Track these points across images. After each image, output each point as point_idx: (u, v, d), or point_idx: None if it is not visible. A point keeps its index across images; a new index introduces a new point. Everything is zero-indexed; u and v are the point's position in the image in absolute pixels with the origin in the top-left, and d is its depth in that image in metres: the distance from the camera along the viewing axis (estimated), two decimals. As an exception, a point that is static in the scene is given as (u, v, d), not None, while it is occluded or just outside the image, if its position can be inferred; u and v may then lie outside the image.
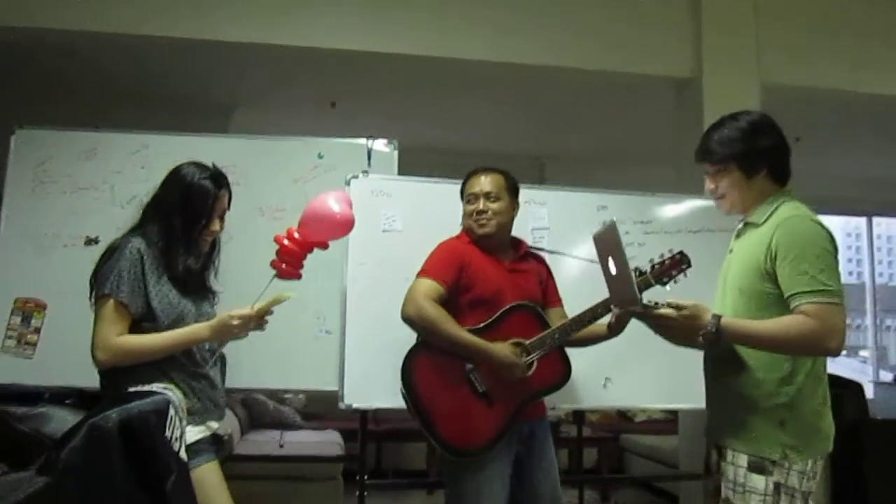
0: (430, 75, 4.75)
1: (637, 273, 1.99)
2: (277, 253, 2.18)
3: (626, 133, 5.97)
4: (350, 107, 5.48)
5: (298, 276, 2.20)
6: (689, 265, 2.19)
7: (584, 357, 2.58)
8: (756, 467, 1.86)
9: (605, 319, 2.31)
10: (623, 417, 6.46)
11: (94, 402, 1.98)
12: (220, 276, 2.28)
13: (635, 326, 2.19)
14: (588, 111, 5.65)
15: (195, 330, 2.04)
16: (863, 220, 7.91)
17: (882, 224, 8.22)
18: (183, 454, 1.78)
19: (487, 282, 2.44)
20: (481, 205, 2.50)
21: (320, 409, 5.98)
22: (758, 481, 1.85)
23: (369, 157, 3.38)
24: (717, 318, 1.84)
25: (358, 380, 3.08)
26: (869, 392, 6.04)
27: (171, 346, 2.00)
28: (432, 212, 3.24)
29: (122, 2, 3.76)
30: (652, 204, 3.52)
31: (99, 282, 2.02)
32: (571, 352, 2.50)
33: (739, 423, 1.92)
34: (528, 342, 2.36)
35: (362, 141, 3.41)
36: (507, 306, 2.41)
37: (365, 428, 3.46)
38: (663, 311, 1.88)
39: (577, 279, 2.94)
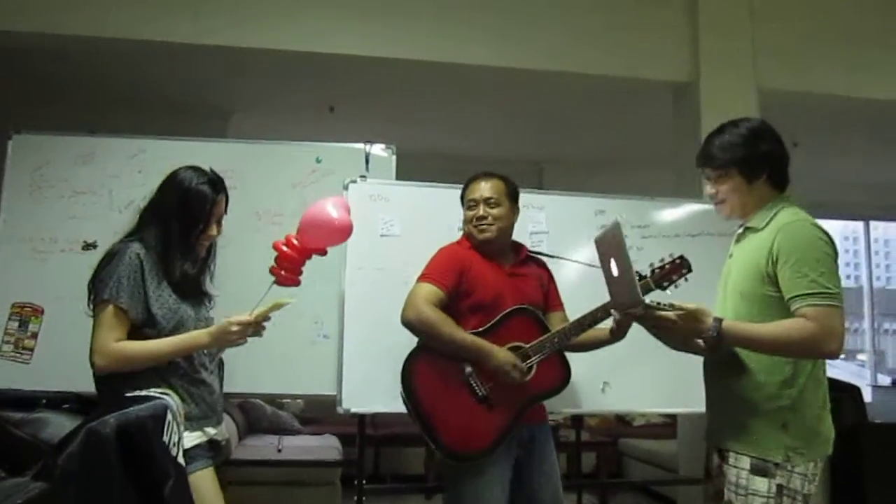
0: (429, 80, 4.76)
1: (637, 277, 1.99)
2: (276, 259, 2.17)
3: (623, 137, 5.98)
4: (348, 111, 5.49)
5: (297, 283, 2.20)
6: (690, 269, 2.19)
7: (583, 361, 2.58)
8: (759, 470, 1.86)
9: (607, 324, 2.30)
10: (622, 422, 6.46)
11: (91, 407, 1.97)
12: (217, 281, 2.27)
13: (634, 330, 2.19)
14: (586, 116, 5.66)
15: (194, 336, 2.03)
16: (860, 225, 7.92)
17: (879, 228, 8.23)
18: (181, 459, 1.78)
19: (487, 287, 2.45)
20: (481, 210, 2.51)
21: (318, 413, 5.97)
22: (760, 484, 1.85)
23: (367, 162, 3.38)
24: (719, 321, 1.85)
25: (356, 384, 3.08)
26: (867, 396, 6.04)
27: (170, 353, 2.00)
28: (430, 216, 3.25)
29: (119, 7, 3.76)
30: (650, 208, 3.53)
31: (98, 287, 2.01)
32: (570, 356, 2.50)
33: (742, 425, 1.92)
34: (527, 346, 2.36)
35: (360, 146, 3.41)
36: (507, 310, 2.42)
37: (363, 432, 3.45)
38: (665, 313, 1.88)
39: (577, 283, 2.94)
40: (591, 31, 4.23)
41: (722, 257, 2.19)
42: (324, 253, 2.24)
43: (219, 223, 2.17)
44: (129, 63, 4.63)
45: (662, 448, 5.46)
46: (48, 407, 2.18)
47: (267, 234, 3.16)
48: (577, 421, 4.38)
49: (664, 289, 2.21)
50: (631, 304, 1.95)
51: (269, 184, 3.33)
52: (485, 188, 2.54)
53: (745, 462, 1.89)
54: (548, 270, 2.67)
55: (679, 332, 1.90)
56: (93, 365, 1.97)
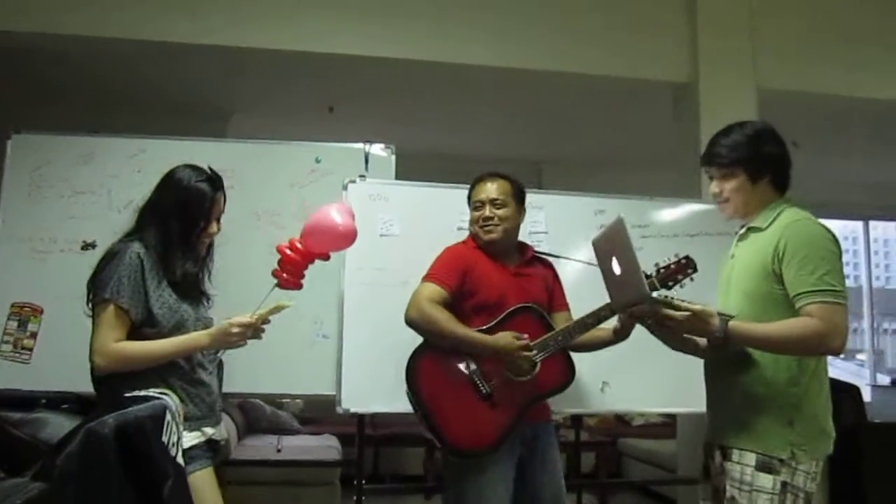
0: (428, 80, 4.75)
1: (645, 280, 1.98)
2: (279, 262, 2.18)
3: (623, 138, 5.97)
4: (348, 111, 5.49)
5: (299, 287, 2.20)
6: (695, 269, 2.20)
7: (582, 361, 2.58)
8: (764, 466, 1.87)
9: (610, 324, 2.31)
10: (621, 421, 6.46)
11: (90, 407, 1.97)
12: (216, 281, 2.27)
13: (634, 330, 2.19)
14: (585, 116, 5.65)
15: (194, 338, 2.03)
16: (859, 224, 7.93)
17: (879, 228, 8.23)
18: (180, 459, 1.78)
19: (491, 287, 2.47)
20: (487, 211, 2.53)
21: (318, 413, 5.97)
22: (765, 480, 1.86)
23: (367, 162, 3.38)
24: (725, 322, 1.85)
25: (355, 384, 3.08)
26: (866, 395, 6.04)
27: (169, 354, 1.99)
28: (430, 216, 3.25)
29: (119, 7, 3.76)
30: (649, 208, 3.53)
31: (98, 287, 2.01)
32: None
33: (747, 421, 1.93)
34: (532, 344, 2.37)
35: (360, 145, 3.41)
36: (512, 308, 2.43)
37: (362, 432, 3.45)
38: (672, 312, 1.88)
39: (581, 283, 2.93)
40: (591, 32, 4.22)
41: (721, 257, 2.19)
42: (327, 258, 2.24)
43: (218, 220, 2.17)
44: (128, 63, 4.63)
45: (662, 448, 5.46)
46: (47, 407, 2.18)
47: (266, 234, 3.18)
48: (576, 420, 4.38)
49: (669, 288, 2.22)
50: (637, 299, 1.93)
51: (269, 184, 3.33)
52: (491, 189, 2.55)
53: (751, 458, 1.89)
54: (553, 270, 2.68)
55: (685, 330, 1.91)
56: (92, 364, 1.97)
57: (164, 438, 1.71)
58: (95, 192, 3.24)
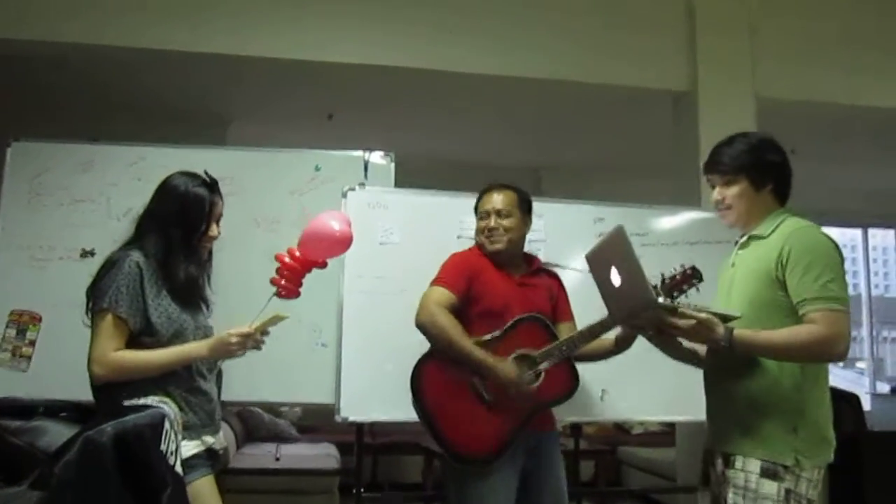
0: (427, 88, 4.76)
1: (651, 286, 1.97)
2: (277, 271, 2.18)
3: (622, 145, 5.98)
4: (347, 119, 5.49)
5: (297, 295, 2.20)
6: (701, 279, 2.20)
7: (582, 369, 2.57)
8: (769, 473, 1.86)
9: (612, 333, 2.32)
10: (620, 430, 6.44)
11: (89, 415, 1.96)
12: (215, 288, 2.27)
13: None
14: (585, 123, 5.66)
15: (193, 348, 2.03)
16: (858, 232, 7.93)
17: (878, 236, 8.24)
18: (178, 468, 1.77)
19: (496, 294, 2.48)
20: (493, 222, 2.55)
21: (316, 421, 5.95)
22: (770, 487, 1.85)
23: (366, 170, 3.38)
24: (730, 330, 1.85)
25: (354, 392, 3.07)
26: (866, 404, 6.04)
27: (167, 364, 1.99)
28: (429, 224, 3.25)
29: (118, 15, 3.76)
30: (649, 216, 3.53)
31: (97, 295, 2.00)
32: (571, 364, 2.50)
33: (751, 428, 1.92)
34: (536, 353, 2.39)
35: (359, 153, 3.41)
36: (517, 317, 2.45)
37: (361, 441, 3.44)
38: (675, 320, 1.87)
39: (582, 292, 2.93)
40: (591, 40, 4.24)
41: (720, 265, 2.19)
42: (324, 265, 2.24)
43: (218, 223, 2.17)
44: (128, 71, 4.63)
45: (661, 456, 5.44)
46: (46, 415, 2.17)
47: (266, 241, 3.17)
48: (575, 429, 4.37)
49: (674, 298, 2.22)
50: (643, 306, 1.91)
51: (268, 191, 3.33)
52: (497, 200, 2.58)
53: (755, 465, 1.89)
54: (559, 281, 2.69)
55: (689, 339, 1.91)
56: (91, 373, 1.96)
57: (163, 447, 1.70)
58: (95, 199, 3.24)
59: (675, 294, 2.20)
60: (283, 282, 2.17)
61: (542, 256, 2.91)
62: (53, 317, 3.08)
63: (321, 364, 3.14)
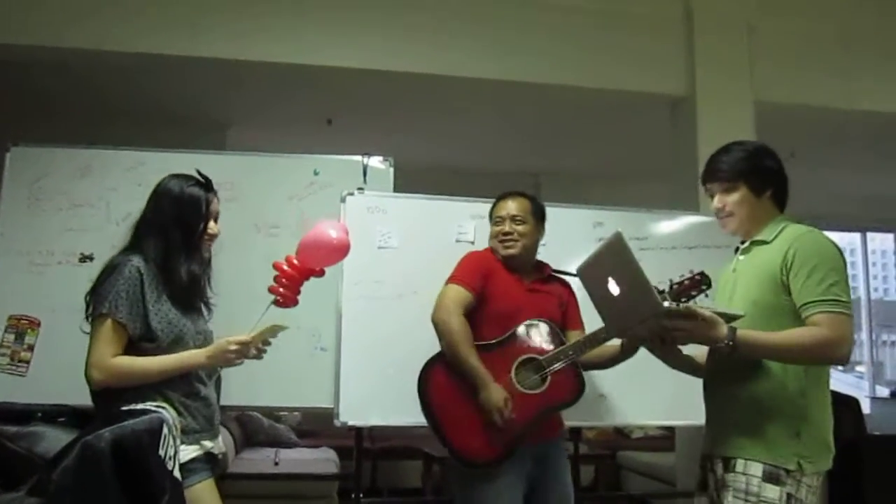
0: (426, 93, 4.77)
1: (656, 292, 1.95)
2: (276, 279, 2.18)
3: (621, 150, 5.99)
4: (346, 124, 5.50)
5: (295, 303, 2.20)
6: (710, 286, 2.19)
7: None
8: (771, 477, 1.85)
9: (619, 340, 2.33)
10: (620, 434, 6.43)
11: (87, 420, 1.96)
12: (215, 291, 2.27)
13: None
14: (583, 128, 5.67)
15: (192, 356, 2.02)
16: (857, 236, 7.94)
17: (877, 239, 8.24)
18: (177, 473, 1.77)
19: (507, 297, 2.52)
20: (507, 227, 2.59)
21: (315, 426, 5.94)
22: (772, 492, 1.84)
23: (365, 174, 3.38)
24: (733, 330, 1.84)
25: (353, 397, 3.07)
26: (865, 407, 6.03)
27: (166, 371, 1.99)
28: (428, 229, 3.26)
29: (117, 20, 3.77)
30: (648, 220, 3.53)
31: (97, 300, 2.00)
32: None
33: (754, 431, 1.91)
34: (542, 358, 2.41)
35: (358, 158, 3.41)
36: (525, 322, 2.48)
37: (360, 445, 3.44)
38: (680, 322, 1.84)
39: (583, 296, 2.93)
40: (589, 45, 4.25)
41: (719, 270, 2.19)
42: (322, 274, 2.24)
43: (216, 220, 2.17)
44: (127, 76, 4.64)
45: (661, 461, 5.44)
46: (44, 420, 2.17)
47: (265, 246, 3.18)
48: (575, 433, 4.37)
49: (679, 304, 2.21)
50: (651, 313, 1.85)
51: (267, 196, 3.33)
52: (512, 206, 2.62)
53: (757, 469, 1.87)
54: (569, 289, 2.70)
55: (692, 339, 1.89)
56: (89, 378, 1.96)
57: (161, 452, 1.70)
58: (94, 204, 3.24)
59: (682, 300, 2.19)
60: (280, 290, 2.16)
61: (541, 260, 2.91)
62: (52, 322, 3.07)
63: (320, 368, 3.14)
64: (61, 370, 2.63)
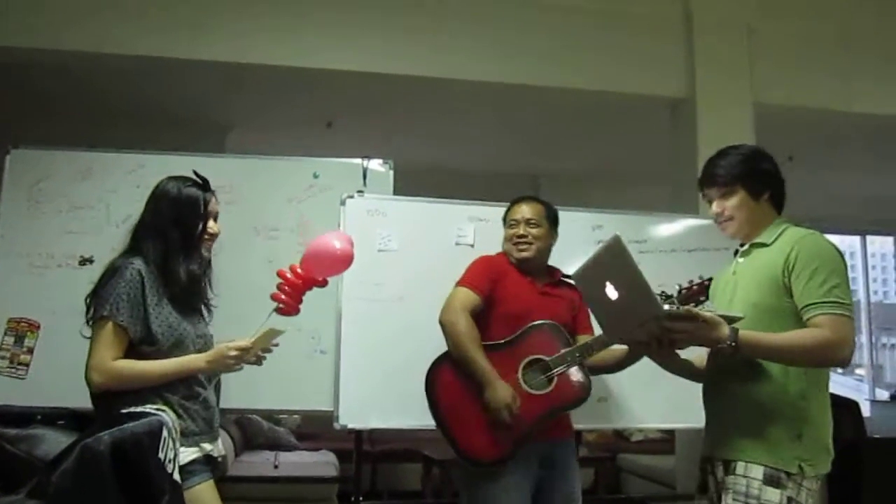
0: (426, 95, 4.78)
1: (664, 297, 1.94)
2: (279, 287, 2.18)
3: (621, 152, 5.99)
4: (346, 127, 5.50)
5: (297, 311, 2.20)
6: None
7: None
8: (772, 480, 1.85)
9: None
10: (620, 437, 6.43)
11: (86, 423, 1.96)
12: (214, 293, 2.27)
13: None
14: (583, 131, 5.67)
15: (191, 360, 2.03)
16: (857, 239, 7.95)
17: (876, 242, 8.25)
18: (176, 476, 1.77)
19: (518, 300, 2.55)
20: (522, 229, 2.62)
21: (315, 429, 5.93)
22: (773, 495, 1.84)
23: (365, 177, 3.38)
24: (735, 331, 1.84)
25: (353, 400, 3.07)
26: (865, 410, 6.02)
27: (166, 375, 1.99)
28: (428, 231, 3.26)
29: (118, 23, 3.77)
30: (647, 223, 3.53)
31: (98, 303, 2.00)
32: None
33: (755, 434, 1.91)
34: (549, 359, 2.43)
35: (358, 161, 3.41)
36: (532, 323, 2.50)
37: (360, 448, 3.44)
38: (680, 324, 1.83)
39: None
40: (588, 47, 4.25)
41: (717, 273, 2.19)
42: (324, 284, 2.25)
43: (215, 219, 2.18)
44: (127, 78, 4.64)
45: (660, 463, 5.44)
46: (43, 423, 2.17)
47: (264, 248, 3.19)
48: (575, 436, 4.36)
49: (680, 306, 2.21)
50: (651, 316, 1.84)
51: (267, 199, 3.32)
52: (526, 210, 2.66)
53: (758, 472, 1.87)
54: (580, 294, 2.70)
55: (693, 341, 1.89)
56: (89, 381, 1.96)
57: (161, 455, 1.70)
58: (94, 207, 3.24)
59: (690, 305, 2.19)
60: (283, 297, 2.17)
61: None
62: (52, 324, 3.07)
63: (320, 371, 3.14)
64: (61, 373, 2.63)
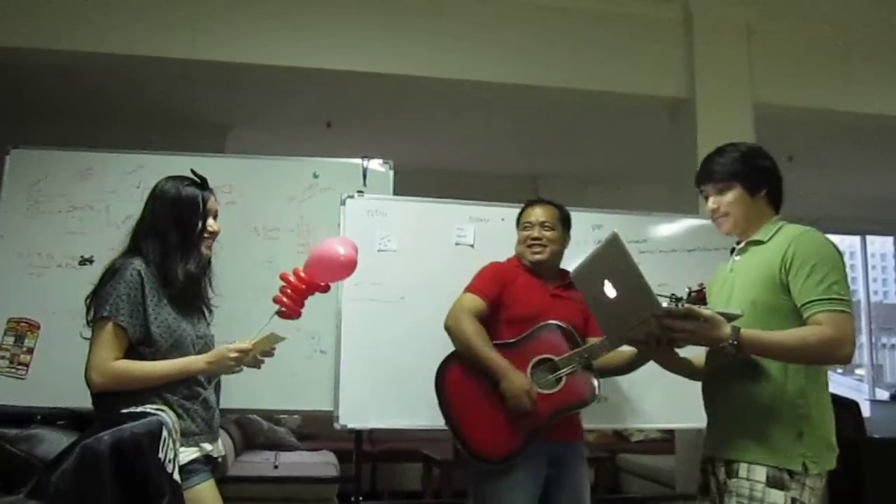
0: (426, 96, 4.78)
1: (673, 298, 1.93)
2: (281, 290, 2.18)
3: (620, 153, 5.99)
4: (345, 127, 5.50)
5: (298, 315, 2.20)
6: None
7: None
8: (775, 481, 1.84)
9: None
10: (620, 437, 6.43)
11: (86, 423, 1.96)
12: (215, 293, 2.27)
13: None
14: (583, 131, 5.68)
15: (192, 361, 2.02)
16: (857, 239, 7.95)
17: (876, 242, 8.25)
18: (176, 476, 1.77)
19: (529, 302, 2.56)
20: (536, 232, 2.63)
21: (315, 429, 5.94)
22: (777, 496, 1.83)
23: (364, 177, 3.38)
24: (736, 330, 1.83)
25: (353, 400, 3.07)
26: (865, 410, 6.02)
27: (166, 376, 1.98)
28: (427, 231, 3.26)
29: (118, 23, 3.77)
30: (647, 223, 3.53)
31: (98, 303, 2.00)
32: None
33: (756, 434, 1.90)
34: (557, 359, 2.44)
35: (357, 161, 3.41)
36: (540, 324, 2.51)
37: (360, 448, 3.43)
38: (681, 323, 1.82)
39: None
40: (588, 48, 4.25)
41: (714, 272, 2.19)
42: (326, 289, 2.25)
43: (215, 218, 2.18)
44: (127, 78, 4.64)
45: (660, 463, 5.44)
46: (43, 423, 2.18)
47: (264, 248, 3.19)
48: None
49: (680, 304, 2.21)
50: (649, 313, 1.82)
51: (267, 199, 3.32)
52: (540, 213, 2.67)
53: (761, 474, 1.86)
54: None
55: (694, 340, 1.88)
56: (88, 382, 1.95)
57: (161, 455, 1.70)
58: (94, 207, 3.24)
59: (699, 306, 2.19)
60: (285, 300, 2.17)
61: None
62: (52, 324, 3.07)
63: (320, 371, 3.14)
64: (61, 373, 2.63)
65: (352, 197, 3.25)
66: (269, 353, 2.15)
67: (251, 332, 2.08)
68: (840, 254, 1.92)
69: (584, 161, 6.44)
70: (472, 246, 3.23)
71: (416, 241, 3.23)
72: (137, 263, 2.01)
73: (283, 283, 2.18)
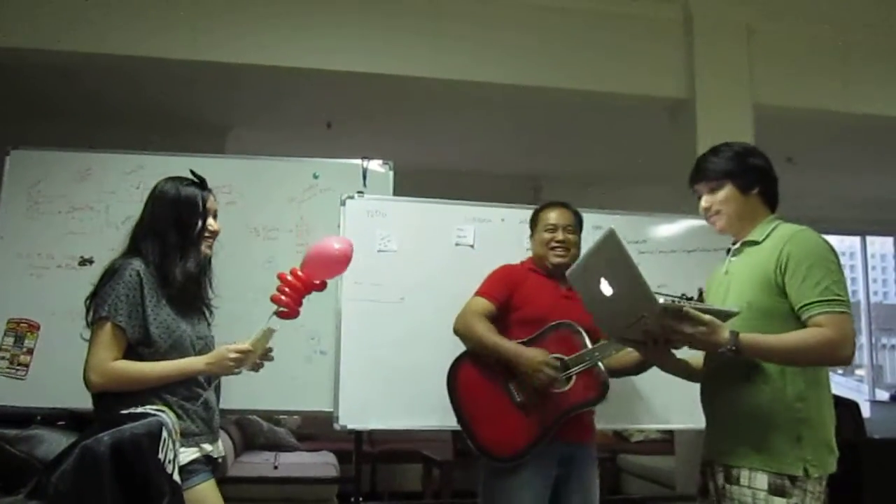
0: (426, 96, 4.77)
1: (683, 298, 1.92)
2: (279, 289, 2.18)
3: (621, 154, 5.98)
4: (345, 127, 5.50)
5: (296, 315, 2.20)
6: None
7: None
8: (777, 489, 1.83)
9: None
10: (620, 437, 6.43)
11: (86, 424, 1.96)
12: (215, 293, 2.27)
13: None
14: (583, 132, 5.67)
15: (191, 362, 2.02)
16: (857, 240, 7.94)
17: (876, 243, 8.24)
18: (176, 477, 1.77)
19: (540, 303, 2.57)
20: (561, 235, 2.64)
21: (315, 430, 5.94)
22: None
23: (364, 178, 3.38)
24: (735, 334, 1.81)
25: (353, 401, 3.07)
26: (865, 411, 6.02)
27: (165, 377, 1.98)
28: (427, 232, 3.26)
29: (118, 23, 3.77)
30: (647, 224, 3.54)
31: (97, 304, 2.00)
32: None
33: (756, 439, 1.88)
34: (567, 358, 2.45)
35: (357, 161, 3.42)
36: (551, 323, 2.52)
37: (360, 449, 3.44)
38: (680, 326, 1.80)
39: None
40: (589, 49, 4.25)
41: (710, 273, 2.18)
42: (323, 287, 2.25)
43: (215, 217, 2.17)
44: (127, 79, 4.64)
45: (660, 464, 5.44)
46: (43, 424, 2.18)
47: (264, 248, 3.19)
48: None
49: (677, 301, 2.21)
50: (646, 310, 1.80)
51: (267, 199, 3.33)
52: (564, 216, 2.69)
53: (762, 481, 1.85)
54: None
55: (693, 344, 1.88)
56: (87, 382, 1.95)
57: (161, 456, 1.70)
58: (93, 207, 3.24)
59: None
60: (283, 299, 2.16)
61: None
62: (51, 325, 3.08)
63: (320, 372, 3.14)
64: (61, 374, 2.63)
65: (352, 197, 3.25)
66: (269, 357, 2.15)
67: (251, 332, 2.08)
68: (835, 253, 1.91)
69: (584, 162, 6.43)
70: (472, 246, 3.23)
71: (416, 241, 3.23)
72: (136, 264, 2.01)
73: (280, 283, 2.18)
